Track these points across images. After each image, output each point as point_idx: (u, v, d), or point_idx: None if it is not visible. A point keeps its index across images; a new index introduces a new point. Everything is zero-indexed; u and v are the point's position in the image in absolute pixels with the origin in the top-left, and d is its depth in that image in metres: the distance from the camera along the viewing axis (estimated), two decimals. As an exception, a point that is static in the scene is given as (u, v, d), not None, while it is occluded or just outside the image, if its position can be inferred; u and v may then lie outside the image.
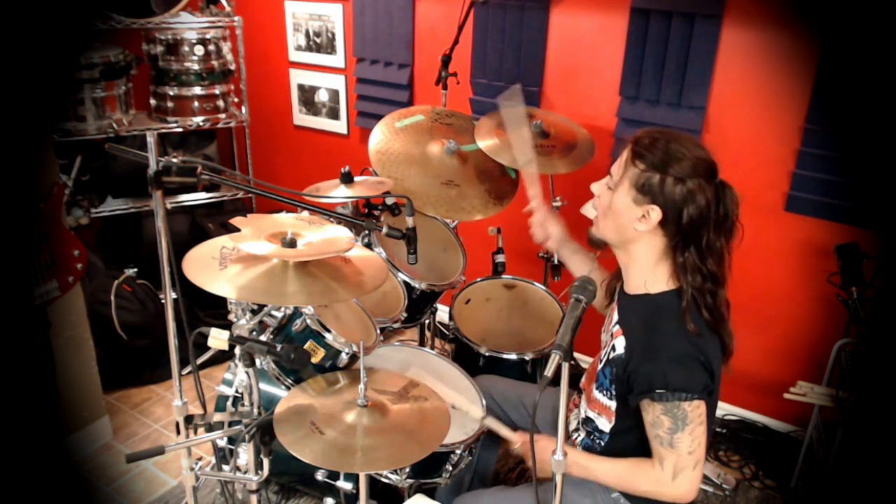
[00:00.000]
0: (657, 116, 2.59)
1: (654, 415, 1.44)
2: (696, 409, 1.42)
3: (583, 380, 1.77)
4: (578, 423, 1.71)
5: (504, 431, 1.78)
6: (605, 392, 1.58)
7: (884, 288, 2.19)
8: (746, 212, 1.50)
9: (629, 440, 1.54)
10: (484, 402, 1.93)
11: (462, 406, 1.85)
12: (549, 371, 1.22)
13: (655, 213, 1.45)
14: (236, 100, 3.36)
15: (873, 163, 2.26)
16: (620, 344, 1.53)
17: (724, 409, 2.80)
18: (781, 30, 2.35)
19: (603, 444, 1.62)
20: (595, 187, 1.60)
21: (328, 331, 1.71)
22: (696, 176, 1.42)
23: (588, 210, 2.21)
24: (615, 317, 1.61)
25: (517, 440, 1.74)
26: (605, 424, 1.60)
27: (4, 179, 1.93)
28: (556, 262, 2.57)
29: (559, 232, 1.93)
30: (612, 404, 1.56)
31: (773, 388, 2.55)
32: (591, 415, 1.64)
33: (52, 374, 2.31)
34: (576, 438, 1.70)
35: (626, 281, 1.60)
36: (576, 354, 3.01)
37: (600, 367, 1.60)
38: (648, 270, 1.52)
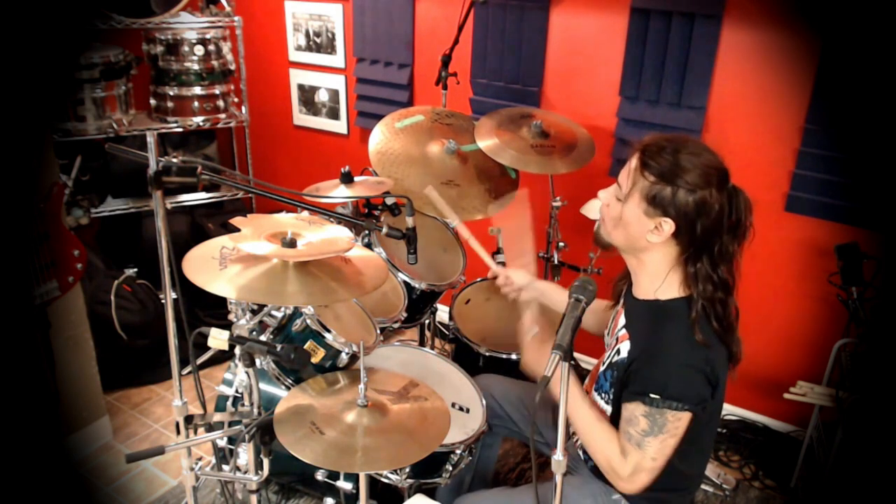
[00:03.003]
0: (657, 116, 2.59)
1: (634, 413, 1.43)
2: (677, 421, 1.40)
3: (586, 382, 1.76)
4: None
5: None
6: (603, 395, 1.58)
7: (884, 288, 2.19)
8: (747, 212, 1.50)
9: None
10: (484, 401, 1.93)
11: (470, 406, 1.89)
12: (548, 371, 1.22)
13: (668, 226, 1.43)
14: (236, 100, 3.35)
15: (873, 163, 2.26)
16: (625, 348, 1.52)
17: (724, 409, 2.79)
18: (781, 30, 2.34)
19: None
20: (603, 194, 1.57)
21: (328, 331, 1.71)
22: (707, 186, 1.39)
23: (588, 210, 2.20)
24: (621, 320, 1.59)
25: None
26: None
27: (4, 179, 1.93)
28: (556, 262, 2.58)
29: (524, 278, 1.94)
30: (608, 409, 1.56)
31: (773, 388, 2.55)
32: None
33: (52, 374, 2.31)
34: (577, 441, 1.69)
35: (636, 285, 1.58)
36: (576, 354, 3.01)
37: (602, 369, 1.59)
38: (660, 278, 1.50)
